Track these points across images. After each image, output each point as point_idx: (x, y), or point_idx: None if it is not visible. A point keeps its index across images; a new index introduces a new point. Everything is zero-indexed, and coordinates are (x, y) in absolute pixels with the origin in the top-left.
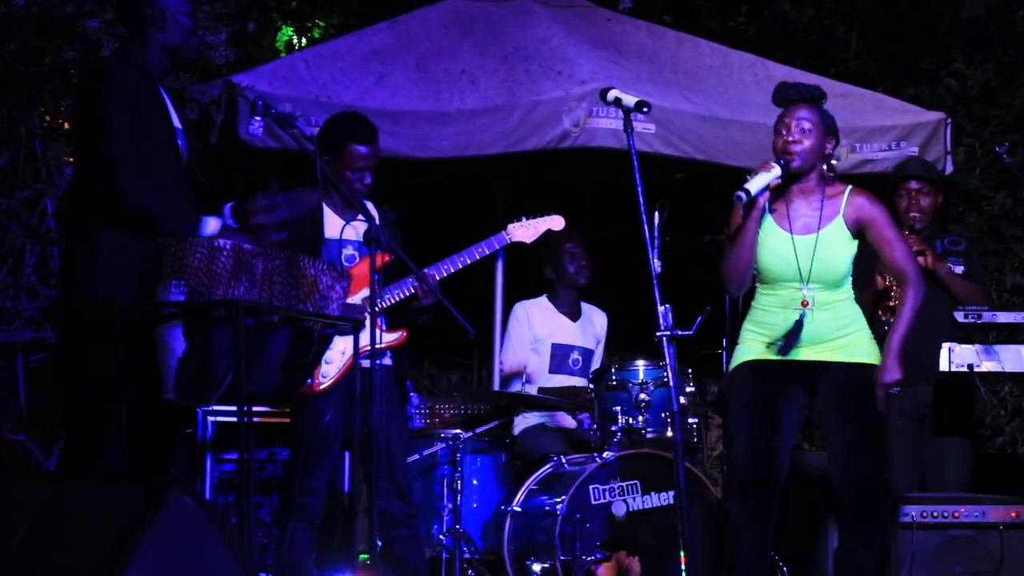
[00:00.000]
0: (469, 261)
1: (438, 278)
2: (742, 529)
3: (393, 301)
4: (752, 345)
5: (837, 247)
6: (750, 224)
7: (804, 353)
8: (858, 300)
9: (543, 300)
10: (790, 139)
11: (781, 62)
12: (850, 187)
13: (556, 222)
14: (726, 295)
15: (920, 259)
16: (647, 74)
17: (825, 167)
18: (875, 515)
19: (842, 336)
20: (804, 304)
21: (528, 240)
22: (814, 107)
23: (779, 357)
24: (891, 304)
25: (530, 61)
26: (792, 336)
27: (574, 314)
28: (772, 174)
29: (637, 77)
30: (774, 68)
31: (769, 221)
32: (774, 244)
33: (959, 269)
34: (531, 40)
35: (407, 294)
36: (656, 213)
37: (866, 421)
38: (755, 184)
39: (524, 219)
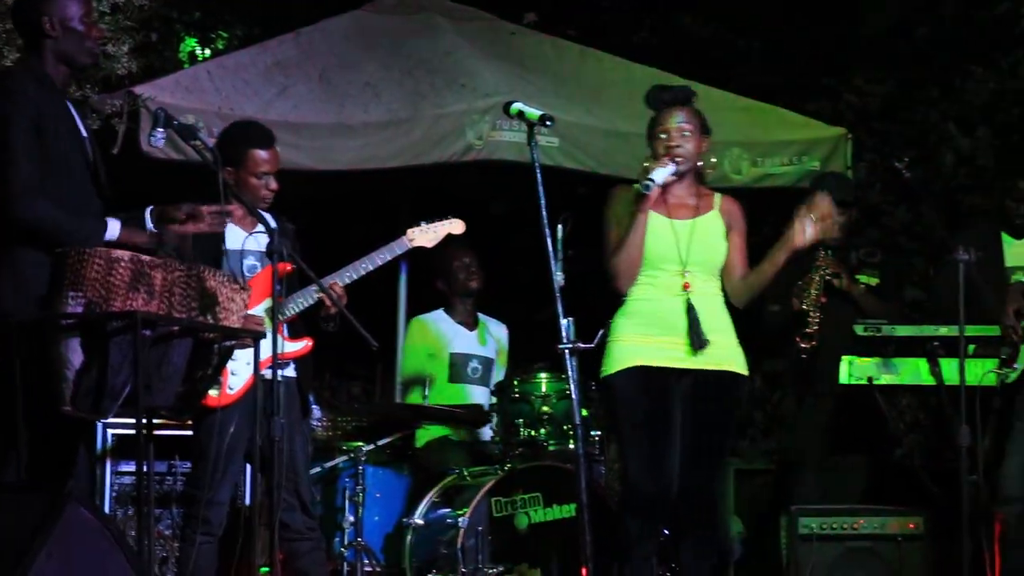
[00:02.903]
0: (371, 267)
1: (341, 285)
2: (637, 542)
3: (296, 311)
4: (635, 344)
5: (714, 235)
6: (642, 216)
7: (684, 347)
8: (771, 319)
9: (439, 313)
10: (672, 144)
11: (683, 76)
12: (719, 193)
13: (456, 226)
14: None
15: (835, 281)
16: (551, 88)
17: (700, 164)
18: (710, 524)
19: (718, 331)
20: (686, 287)
21: (429, 244)
22: (689, 109)
23: (683, 355)
24: (808, 331)
25: (434, 74)
26: (694, 325)
27: (471, 323)
28: (669, 169)
29: (541, 91)
30: (676, 82)
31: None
32: (654, 229)
33: (873, 282)
34: (435, 53)
35: (310, 303)
36: (559, 226)
37: (714, 431)
38: (658, 175)
39: (423, 224)
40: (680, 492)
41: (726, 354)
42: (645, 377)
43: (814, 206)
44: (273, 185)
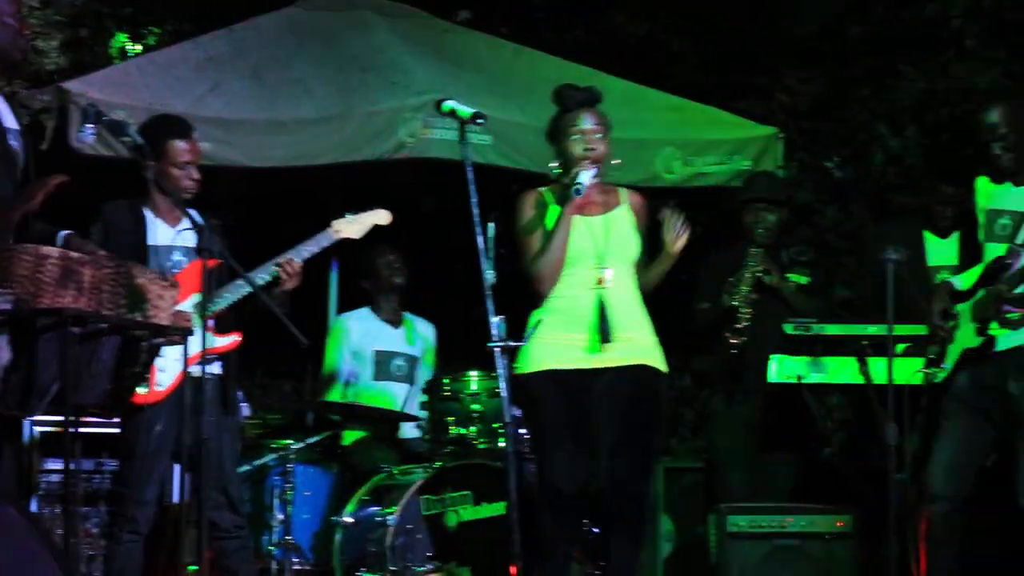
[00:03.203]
0: (298, 260)
1: (268, 278)
2: (556, 542)
3: (224, 306)
4: (552, 344)
5: (627, 229)
6: (568, 220)
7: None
8: (701, 316)
9: (364, 311)
10: (590, 146)
11: (617, 75)
12: (622, 187)
13: (382, 217)
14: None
15: (766, 278)
16: (484, 85)
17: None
18: (636, 520)
19: (635, 327)
20: (600, 282)
21: (356, 236)
22: (599, 111)
23: (588, 353)
24: (739, 326)
25: (366, 71)
26: (603, 321)
27: (396, 321)
28: (592, 172)
29: (474, 89)
30: (610, 81)
31: (559, 211)
32: (571, 228)
33: (804, 280)
34: (368, 50)
35: (238, 298)
36: (491, 224)
37: (638, 426)
38: (586, 178)
39: (349, 215)
40: (608, 488)
41: (642, 350)
42: (560, 378)
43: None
44: (195, 175)
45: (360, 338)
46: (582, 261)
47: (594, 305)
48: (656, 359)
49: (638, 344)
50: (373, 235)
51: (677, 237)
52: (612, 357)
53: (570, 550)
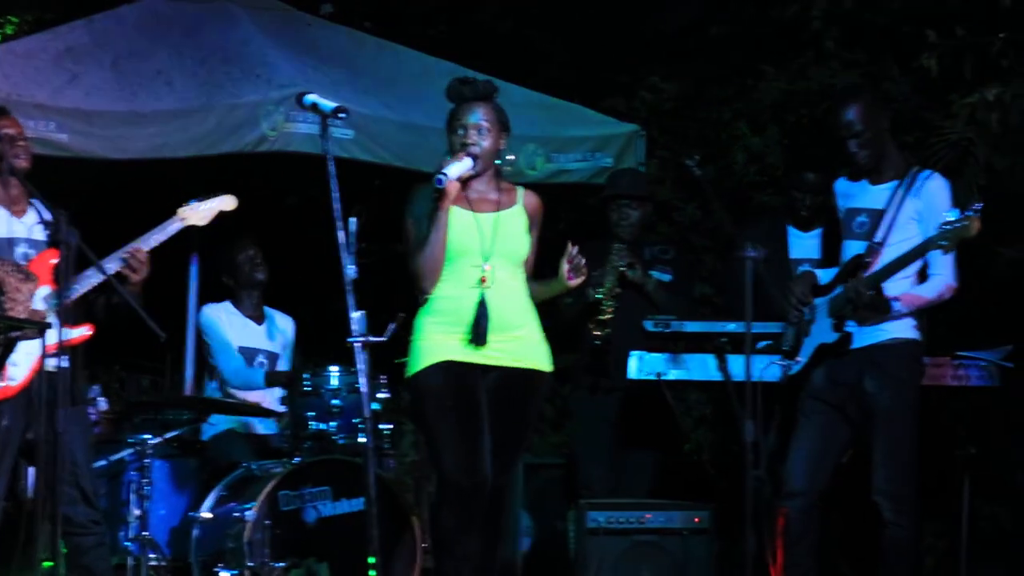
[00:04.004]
0: (145, 248)
1: (117, 268)
2: (455, 538)
3: (75, 296)
4: (440, 341)
5: (517, 229)
6: (443, 214)
7: (489, 340)
8: (565, 311)
9: (227, 304)
10: (468, 140)
11: (480, 71)
12: (521, 186)
13: (228, 202)
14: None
15: (629, 273)
16: (346, 80)
17: (499, 162)
18: (498, 514)
19: (523, 325)
20: (483, 281)
21: (202, 223)
22: (489, 105)
23: (473, 349)
24: (602, 318)
25: (229, 64)
26: (480, 321)
27: (258, 317)
28: (466, 164)
29: (337, 83)
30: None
31: (453, 210)
32: (457, 223)
33: (666, 278)
34: (230, 43)
35: (88, 288)
36: (352, 219)
37: (513, 426)
38: (453, 170)
39: (194, 202)
40: None
41: (528, 350)
42: (452, 371)
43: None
44: (25, 151)
45: (225, 332)
46: (466, 257)
47: (474, 304)
48: (543, 359)
49: (525, 343)
50: (234, 229)
51: (573, 274)
52: (500, 357)
53: (470, 547)
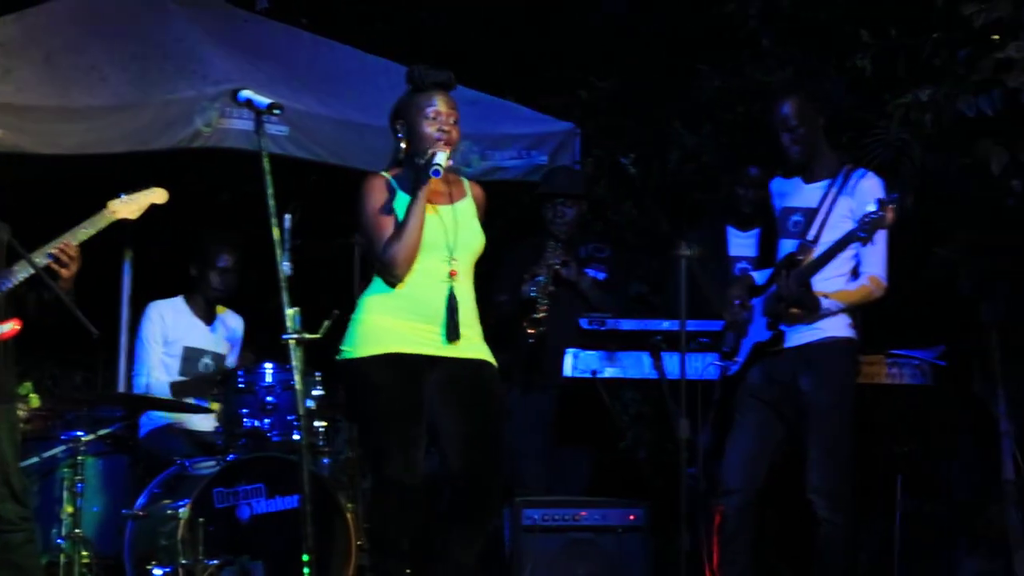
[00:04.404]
0: (74, 242)
1: (46, 262)
2: (395, 537)
3: (4, 292)
4: (389, 325)
5: (473, 221)
6: (423, 203)
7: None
8: (499, 309)
9: (178, 301)
10: (446, 128)
11: None
12: (465, 178)
13: (158, 195)
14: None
15: (564, 271)
16: (282, 76)
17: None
18: (488, 515)
19: (472, 323)
20: (452, 274)
21: (133, 216)
22: (452, 97)
23: (440, 343)
24: (537, 316)
25: (163, 59)
26: (452, 315)
27: (208, 318)
28: (446, 154)
29: (272, 79)
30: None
31: (405, 200)
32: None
33: (601, 276)
34: (165, 38)
35: (16, 283)
36: (287, 216)
37: (487, 417)
38: (442, 159)
39: (123, 195)
40: (461, 482)
41: (477, 343)
42: (400, 365)
43: None
44: None
45: (172, 331)
46: (434, 251)
47: (445, 299)
48: (488, 352)
49: (475, 339)
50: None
51: None
52: (450, 349)
53: (407, 546)
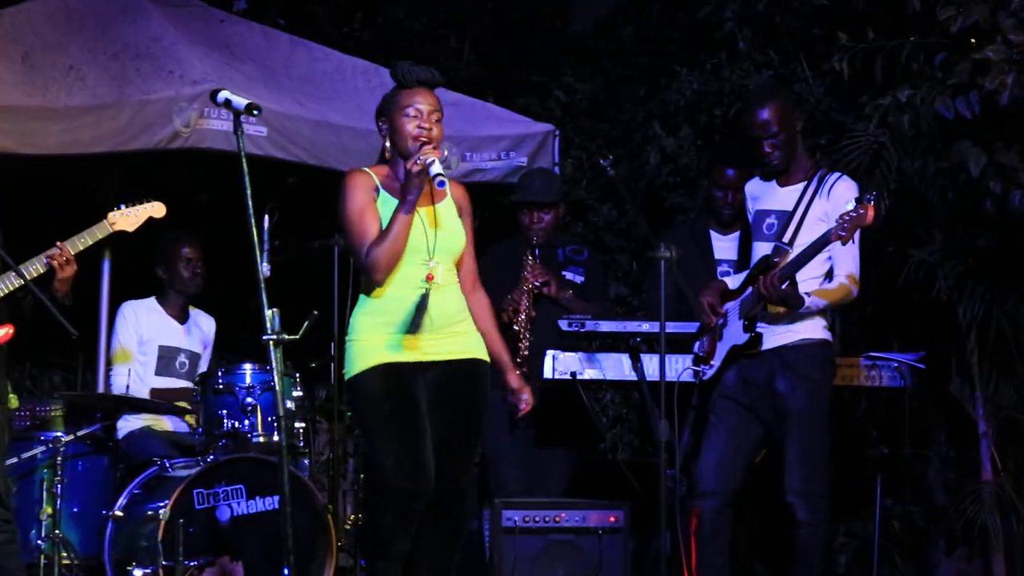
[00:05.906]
0: (72, 252)
1: (42, 270)
2: (392, 541)
3: None
4: (377, 341)
5: (453, 222)
6: (413, 207)
7: (428, 339)
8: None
9: (151, 301)
10: (427, 126)
11: None
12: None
13: (157, 210)
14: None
15: (545, 289)
16: (260, 77)
17: None
18: (462, 516)
19: (460, 321)
20: (430, 278)
21: (131, 228)
22: (436, 95)
23: (409, 345)
24: (518, 358)
25: (141, 60)
26: (419, 312)
27: (182, 317)
28: (438, 160)
29: (250, 80)
30: (387, 75)
31: (388, 199)
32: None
33: (579, 279)
34: (143, 38)
35: (5, 291)
36: (266, 216)
37: (463, 424)
38: (438, 168)
39: (123, 207)
40: (435, 483)
41: (467, 343)
42: (390, 374)
43: None
44: None
45: (146, 330)
46: (412, 255)
47: (416, 301)
48: (481, 349)
49: (463, 337)
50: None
51: None
52: (438, 353)
53: (405, 547)
